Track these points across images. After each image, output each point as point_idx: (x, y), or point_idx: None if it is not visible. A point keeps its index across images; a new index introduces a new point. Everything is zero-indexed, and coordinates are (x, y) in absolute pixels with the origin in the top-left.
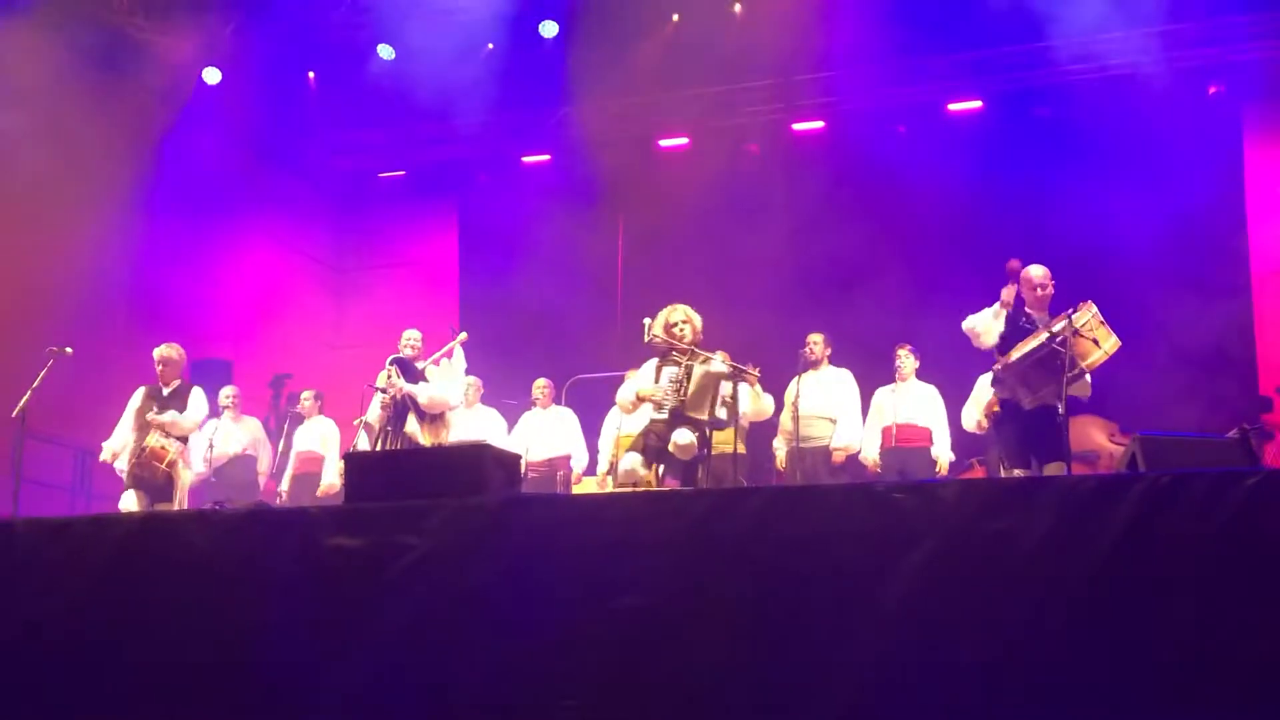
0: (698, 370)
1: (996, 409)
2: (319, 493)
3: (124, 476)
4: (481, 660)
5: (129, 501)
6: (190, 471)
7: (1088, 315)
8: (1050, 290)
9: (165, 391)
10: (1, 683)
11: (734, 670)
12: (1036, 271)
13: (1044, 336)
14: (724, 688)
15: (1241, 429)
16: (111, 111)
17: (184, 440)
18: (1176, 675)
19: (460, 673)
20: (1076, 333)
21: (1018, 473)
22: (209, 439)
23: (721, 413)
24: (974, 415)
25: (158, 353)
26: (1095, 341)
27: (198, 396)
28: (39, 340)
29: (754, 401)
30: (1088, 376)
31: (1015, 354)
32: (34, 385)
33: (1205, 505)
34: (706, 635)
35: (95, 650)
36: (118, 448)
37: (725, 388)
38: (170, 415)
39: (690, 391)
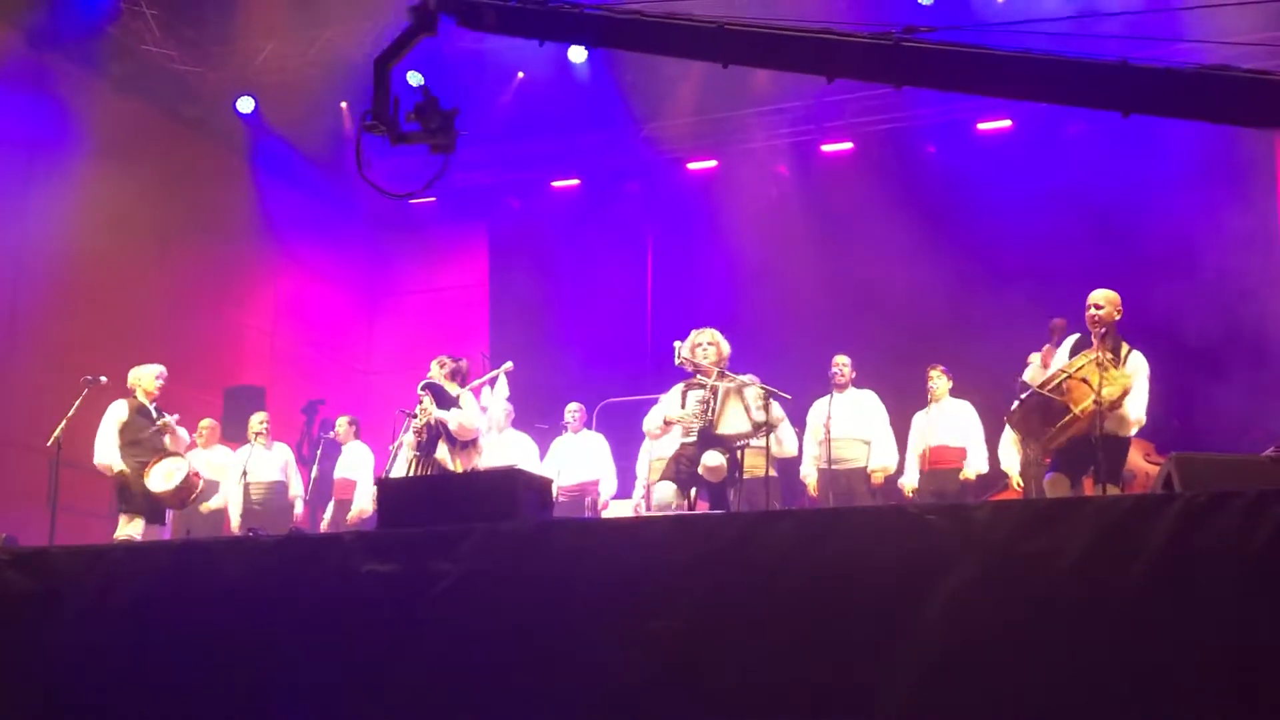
0: (724, 391)
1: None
2: (349, 518)
3: (126, 495)
4: (518, 683)
5: (133, 531)
6: (229, 502)
7: (1085, 360)
8: (1102, 312)
9: (154, 410)
10: (43, 708)
11: (770, 692)
12: (1093, 295)
13: (1040, 378)
14: (760, 710)
15: (1278, 448)
16: (143, 140)
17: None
18: (1213, 697)
19: (496, 696)
20: (1070, 376)
21: None
22: (242, 466)
23: (759, 416)
24: (1012, 450)
25: (155, 371)
26: (1085, 381)
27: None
28: (74, 369)
29: (777, 447)
30: (1123, 411)
31: (1019, 402)
32: (69, 414)
33: (1243, 525)
34: (742, 658)
35: (131, 675)
36: (110, 462)
37: (750, 395)
38: (182, 432)
39: (718, 413)
